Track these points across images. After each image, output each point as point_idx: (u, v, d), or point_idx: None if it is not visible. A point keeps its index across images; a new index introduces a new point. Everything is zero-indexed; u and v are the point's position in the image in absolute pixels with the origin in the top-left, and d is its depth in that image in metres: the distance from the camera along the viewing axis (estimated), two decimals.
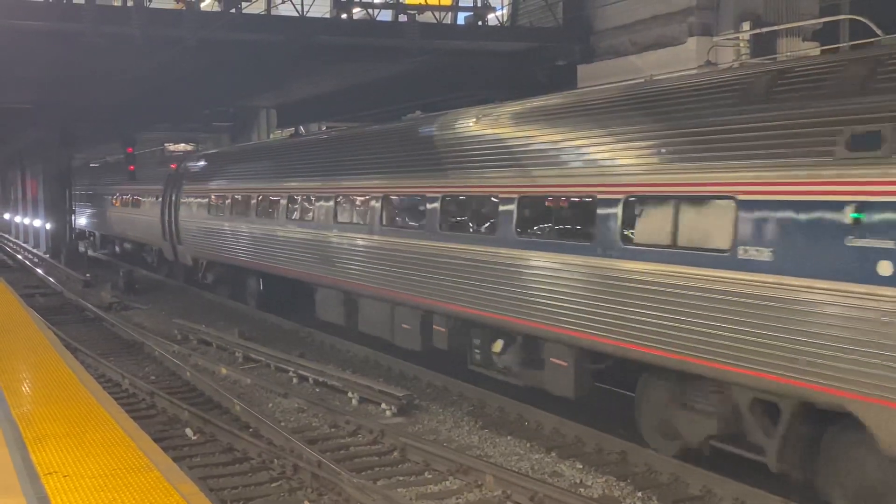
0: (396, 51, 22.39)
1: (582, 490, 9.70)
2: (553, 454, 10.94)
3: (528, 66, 23.47)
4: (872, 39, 9.55)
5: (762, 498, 8.92)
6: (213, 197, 23.83)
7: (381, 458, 10.94)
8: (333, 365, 15.77)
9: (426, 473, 10.35)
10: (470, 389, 13.69)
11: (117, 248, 39.78)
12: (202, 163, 26.79)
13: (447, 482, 10.00)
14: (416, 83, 25.58)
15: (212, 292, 25.35)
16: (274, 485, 9.98)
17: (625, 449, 10.71)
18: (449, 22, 24.66)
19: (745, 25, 14.36)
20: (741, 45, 13.14)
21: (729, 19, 16.29)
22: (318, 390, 14.43)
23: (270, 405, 13.51)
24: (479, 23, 24.10)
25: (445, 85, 24.80)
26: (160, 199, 28.61)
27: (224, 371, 15.70)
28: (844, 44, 12.49)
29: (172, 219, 27.09)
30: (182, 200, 26.28)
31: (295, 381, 15.07)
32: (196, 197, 25.26)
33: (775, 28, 13.21)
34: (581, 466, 10.47)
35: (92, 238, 44.62)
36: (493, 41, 23.50)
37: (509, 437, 11.65)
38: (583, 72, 21.17)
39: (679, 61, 15.62)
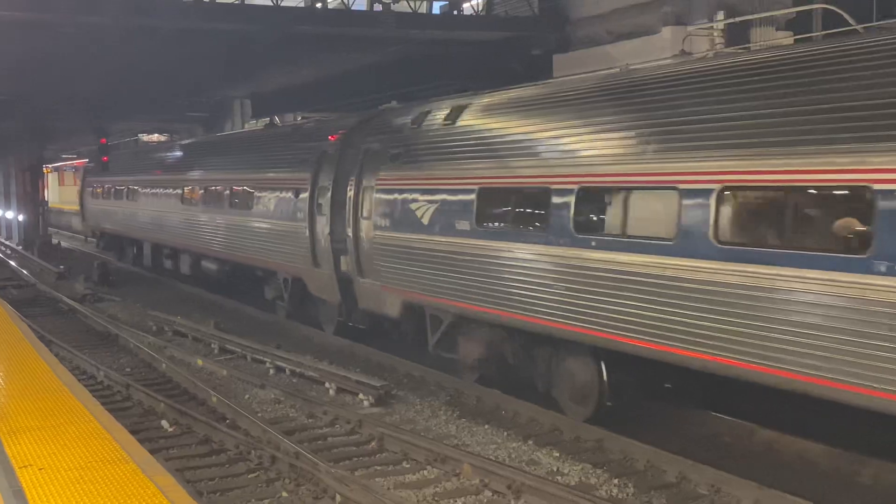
0: (372, 40, 22.34)
1: (559, 478, 9.74)
2: (530, 442, 10.96)
3: (504, 55, 23.46)
4: (845, 28, 9.67)
5: (737, 484, 9.00)
6: (503, 190, 12.18)
7: (359, 448, 10.94)
8: (310, 356, 15.74)
9: (404, 463, 10.36)
10: (447, 379, 13.70)
11: (186, 268, 25.48)
12: (445, 121, 13.67)
13: (425, 471, 10.02)
14: (393, 73, 25.52)
15: (461, 377, 13.59)
16: (251, 476, 9.96)
17: (601, 437, 10.76)
18: (424, 11, 24.62)
19: (719, 15, 14.46)
20: (715, 34, 13.22)
21: (703, 9, 16.38)
22: (294, 381, 14.40)
23: (247, 396, 13.47)
24: (455, 12, 24.09)
25: (422, 75, 24.75)
26: (301, 196, 17.49)
27: (200, 362, 15.63)
28: (817, 33, 12.57)
29: (343, 229, 15.78)
30: (377, 196, 14.60)
31: (272, 372, 15.03)
32: (424, 191, 13.40)
33: (749, 18, 13.29)
34: (558, 454, 10.51)
35: (135, 250, 30.98)
36: (468, 30, 23.48)
37: (486, 427, 11.67)
38: (558, 61, 21.20)
39: (654, 51, 15.68)
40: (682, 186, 9.31)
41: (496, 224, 12.22)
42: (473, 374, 13.24)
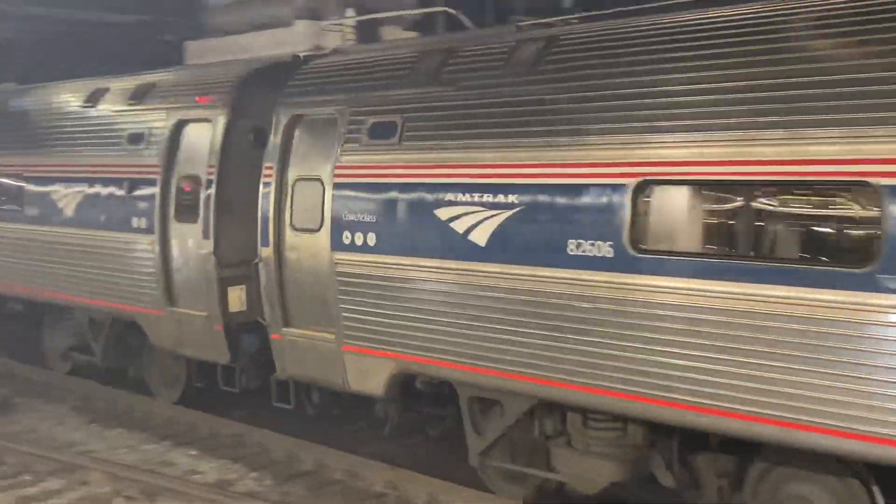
0: None
1: (197, 476, 9.59)
2: (166, 443, 10.72)
3: (138, 40, 22.52)
4: (463, 31, 10.38)
5: (371, 466, 9.39)
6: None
7: None
8: None
9: (24, 476, 9.65)
10: (76, 383, 13.06)
11: None
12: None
13: (46, 482, 9.40)
14: (18, 52, 23.59)
15: None
16: None
17: (240, 432, 10.75)
18: None
19: (350, 12, 14.89)
20: (346, 30, 13.59)
21: (335, 5, 16.73)
22: None
23: None
24: None
25: (49, 55, 23.10)
26: (139, 193, 11.57)
27: None
28: (439, 35, 13.38)
29: (243, 245, 10.38)
30: (341, 194, 9.23)
31: None
32: (475, 189, 8.20)
33: (377, 16, 13.80)
34: (195, 452, 10.35)
35: None
36: (98, 11, 22.26)
37: (119, 430, 11.25)
38: (191, 49, 20.65)
39: (289, 43, 15.78)
40: None
41: (682, 249, 6.96)
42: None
